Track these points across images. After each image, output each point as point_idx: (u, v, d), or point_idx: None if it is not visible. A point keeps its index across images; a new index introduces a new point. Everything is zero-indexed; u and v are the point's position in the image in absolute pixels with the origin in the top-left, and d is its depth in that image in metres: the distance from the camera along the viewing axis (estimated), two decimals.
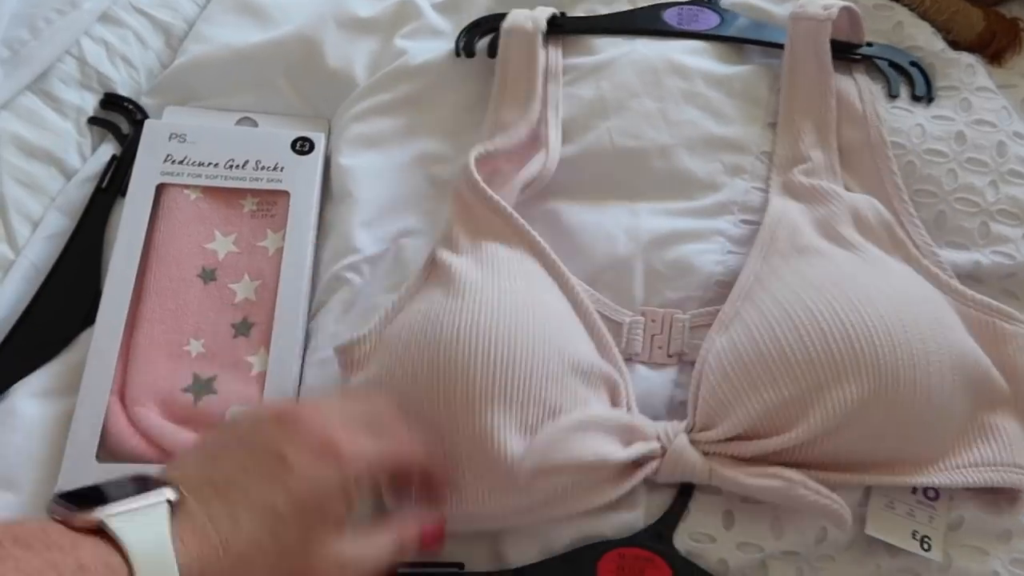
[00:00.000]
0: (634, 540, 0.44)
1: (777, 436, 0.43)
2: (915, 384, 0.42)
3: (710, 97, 0.57)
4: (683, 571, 0.43)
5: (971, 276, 0.51)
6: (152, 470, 0.35)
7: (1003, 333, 0.47)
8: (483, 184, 0.49)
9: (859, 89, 0.56)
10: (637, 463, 0.44)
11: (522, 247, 0.48)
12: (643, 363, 0.49)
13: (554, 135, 0.55)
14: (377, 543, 0.38)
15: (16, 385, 0.49)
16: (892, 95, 0.56)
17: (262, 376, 0.50)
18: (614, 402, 0.46)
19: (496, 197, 0.49)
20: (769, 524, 0.45)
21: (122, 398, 0.48)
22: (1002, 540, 0.45)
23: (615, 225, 0.53)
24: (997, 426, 0.45)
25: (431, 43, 0.61)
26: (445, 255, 0.48)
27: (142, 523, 0.31)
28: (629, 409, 0.46)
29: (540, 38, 0.57)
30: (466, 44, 0.59)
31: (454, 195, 0.51)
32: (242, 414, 0.40)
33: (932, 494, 0.46)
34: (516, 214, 0.49)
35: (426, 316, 0.44)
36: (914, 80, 0.57)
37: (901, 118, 0.55)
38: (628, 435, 0.43)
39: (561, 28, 0.59)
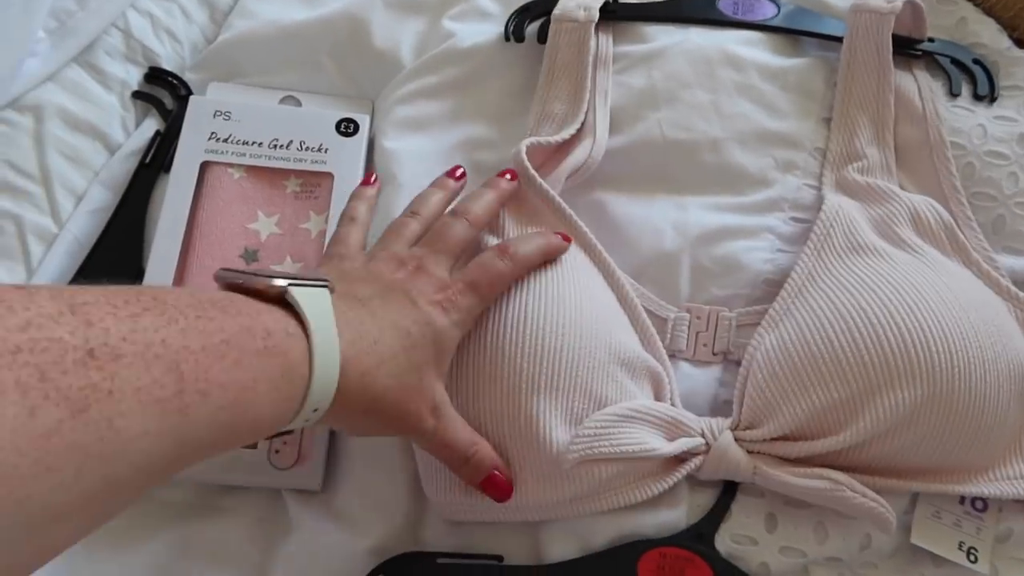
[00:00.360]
0: (675, 540, 0.44)
1: (824, 439, 0.42)
2: (970, 392, 0.41)
3: (764, 90, 0.56)
4: (724, 573, 0.43)
5: None
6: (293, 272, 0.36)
7: None
8: (534, 172, 0.48)
9: (919, 86, 0.55)
10: (680, 458, 0.43)
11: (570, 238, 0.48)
12: (687, 360, 0.49)
13: (601, 124, 0.53)
14: (459, 433, 0.40)
15: None
16: (953, 93, 0.55)
17: None
18: (658, 396, 0.45)
19: (547, 187, 0.48)
20: (812, 529, 0.45)
21: None
22: None
23: (662, 219, 0.52)
24: None
25: (479, 26, 0.59)
26: (491, 241, 0.47)
27: (313, 299, 0.32)
28: (673, 404, 0.46)
29: (592, 28, 0.55)
30: (515, 28, 0.57)
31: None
32: (358, 256, 0.42)
33: (980, 505, 0.46)
34: (565, 205, 0.48)
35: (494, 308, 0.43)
36: (976, 78, 0.55)
37: (962, 118, 0.54)
38: (673, 430, 0.43)
39: (613, 15, 0.58)
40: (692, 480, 0.46)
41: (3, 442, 0.21)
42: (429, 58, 0.58)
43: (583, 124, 0.53)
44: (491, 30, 0.59)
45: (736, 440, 0.43)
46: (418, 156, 0.55)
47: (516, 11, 0.59)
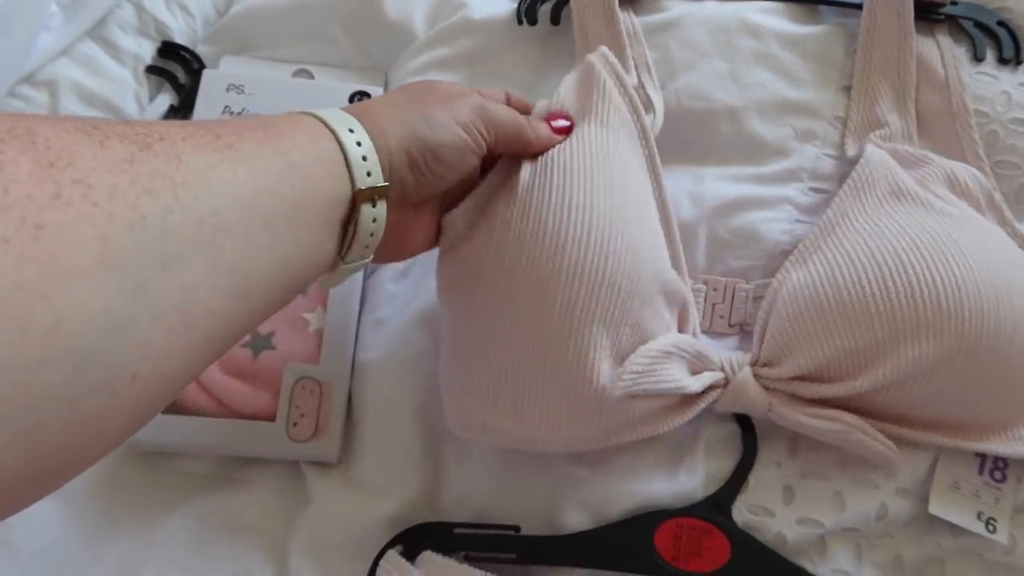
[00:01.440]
0: (692, 510, 0.44)
1: (842, 382, 0.42)
2: (995, 351, 0.40)
3: (783, 58, 0.55)
4: (740, 543, 0.43)
5: None
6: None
7: None
8: (619, 66, 0.48)
9: (941, 52, 0.53)
10: (700, 392, 0.43)
11: (635, 137, 0.47)
12: (704, 332, 0.48)
13: (656, 96, 0.52)
14: (505, 116, 0.41)
15: None
16: (977, 58, 0.53)
17: (319, 334, 0.50)
18: (682, 323, 0.45)
19: (628, 80, 0.48)
20: (830, 499, 0.45)
21: None
22: None
23: (679, 189, 0.51)
24: None
25: None
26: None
27: (337, 118, 0.34)
28: (694, 332, 0.46)
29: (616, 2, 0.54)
30: (528, 10, 0.56)
31: (577, 79, 0.47)
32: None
33: (999, 476, 0.45)
34: (639, 100, 0.47)
35: (531, 208, 0.40)
36: (1001, 41, 0.54)
37: (985, 84, 0.53)
38: (697, 363, 0.43)
39: None
40: (708, 449, 0.46)
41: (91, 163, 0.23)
42: (442, 29, 0.57)
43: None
44: (504, 2, 0.58)
45: (755, 376, 0.43)
46: None
47: None
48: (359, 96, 0.56)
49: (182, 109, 0.56)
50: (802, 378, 0.43)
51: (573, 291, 0.38)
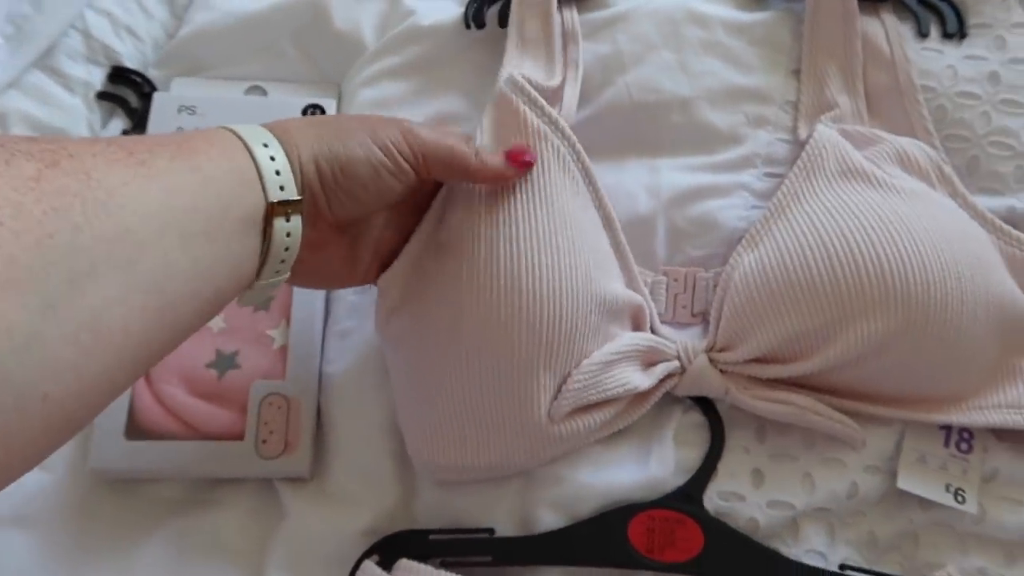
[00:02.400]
0: (663, 502, 0.44)
1: (797, 363, 0.43)
2: (945, 324, 0.41)
3: (731, 46, 0.55)
4: (713, 531, 0.43)
5: (1006, 222, 0.49)
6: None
7: None
8: (532, 89, 0.46)
9: (886, 30, 0.54)
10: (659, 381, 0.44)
11: (566, 157, 0.46)
12: (667, 323, 0.49)
13: (570, 93, 0.52)
14: (438, 137, 0.40)
15: None
16: (922, 34, 0.54)
17: (284, 350, 0.50)
18: (637, 326, 0.46)
19: (545, 104, 0.46)
20: (799, 481, 0.45)
21: (147, 376, 0.49)
22: None
23: (635, 183, 0.52)
24: None
25: (441, 2, 0.59)
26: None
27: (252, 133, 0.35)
28: (652, 328, 0.46)
29: (555, 1, 0.54)
30: (475, 14, 0.56)
31: (493, 109, 0.47)
32: None
33: (964, 447, 0.46)
34: (566, 124, 0.46)
35: (464, 267, 0.41)
36: (944, 16, 0.54)
37: (931, 59, 0.53)
38: (651, 355, 0.44)
39: None
40: (678, 440, 0.46)
41: None
42: (391, 38, 0.57)
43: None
44: (452, 7, 0.58)
45: (711, 361, 0.44)
46: None
47: None
48: (312, 109, 0.56)
49: (134, 133, 0.56)
50: (757, 360, 0.44)
51: (514, 338, 0.40)
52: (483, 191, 0.42)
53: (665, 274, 0.49)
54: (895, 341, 0.41)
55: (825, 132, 0.49)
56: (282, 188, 0.34)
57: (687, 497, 0.44)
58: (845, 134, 0.49)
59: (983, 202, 0.49)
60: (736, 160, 0.52)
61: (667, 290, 0.49)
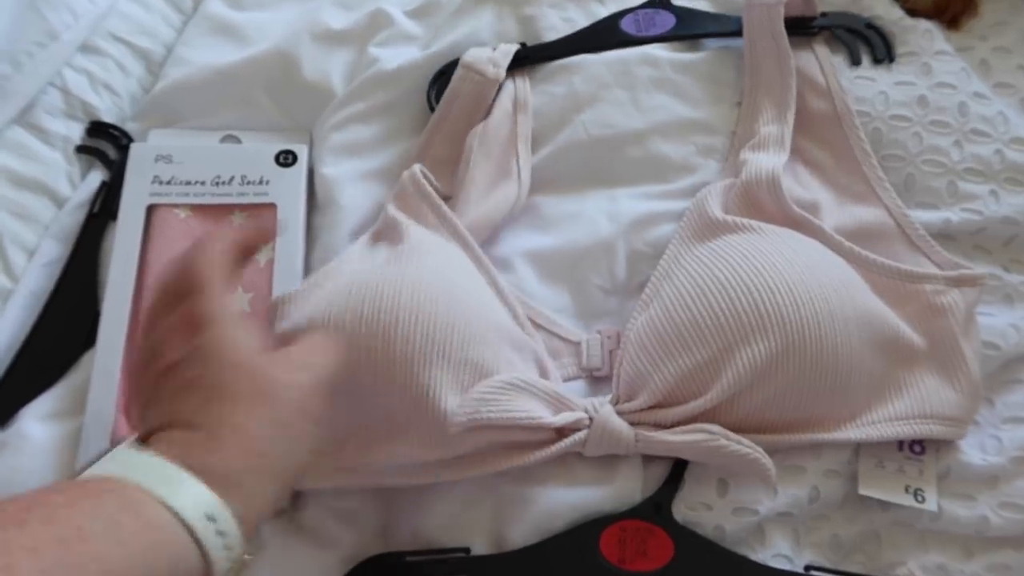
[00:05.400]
0: (633, 513, 0.46)
1: (695, 400, 0.44)
2: (821, 340, 0.44)
3: (679, 82, 0.59)
4: (683, 540, 0.45)
5: (942, 234, 0.53)
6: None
7: (906, 293, 0.49)
8: (428, 186, 0.52)
9: (820, 62, 0.58)
10: (562, 432, 0.45)
11: (455, 241, 0.51)
12: (607, 376, 0.50)
13: (525, 168, 0.56)
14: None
15: (23, 410, 0.50)
16: (854, 62, 0.58)
17: None
18: (544, 375, 0.48)
19: (437, 198, 0.52)
20: (763, 488, 0.46)
21: (128, 414, 0.50)
22: (989, 485, 0.47)
23: (596, 210, 0.55)
24: (912, 381, 0.47)
25: (404, 48, 0.62)
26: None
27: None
28: (555, 382, 0.48)
29: (496, 88, 0.58)
30: (437, 94, 0.59)
31: (396, 196, 0.53)
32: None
33: (918, 448, 0.48)
34: (451, 212, 0.52)
35: (370, 273, 0.46)
36: (873, 44, 0.58)
37: (864, 87, 0.57)
38: (558, 405, 0.45)
39: (526, 60, 0.60)
40: (647, 457, 0.47)
41: None
42: (357, 85, 0.60)
43: (508, 172, 0.56)
44: (415, 52, 0.61)
45: (617, 413, 0.45)
46: (356, 179, 0.57)
47: (434, 77, 0.60)
48: (285, 154, 0.58)
49: (113, 184, 0.58)
50: (659, 405, 0.45)
51: (411, 337, 0.43)
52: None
53: (598, 332, 0.51)
54: (778, 363, 0.43)
55: (700, 194, 0.52)
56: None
57: (656, 507, 0.46)
58: (722, 187, 0.53)
59: (920, 216, 0.53)
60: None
61: (602, 347, 0.50)
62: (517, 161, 0.56)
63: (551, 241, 0.54)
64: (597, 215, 0.54)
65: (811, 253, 0.48)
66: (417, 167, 0.53)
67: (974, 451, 0.48)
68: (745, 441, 0.43)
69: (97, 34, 0.62)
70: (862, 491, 0.46)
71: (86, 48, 0.62)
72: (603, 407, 0.46)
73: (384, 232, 0.51)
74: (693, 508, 0.46)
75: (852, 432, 0.46)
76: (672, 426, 0.45)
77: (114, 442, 0.49)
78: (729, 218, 0.49)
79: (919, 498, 0.46)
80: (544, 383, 0.45)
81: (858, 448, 0.47)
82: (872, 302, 0.47)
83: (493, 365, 0.44)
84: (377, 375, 0.43)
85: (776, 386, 0.44)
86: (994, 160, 0.54)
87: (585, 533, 0.45)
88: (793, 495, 0.46)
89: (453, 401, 0.43)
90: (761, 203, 0.51)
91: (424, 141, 0.58)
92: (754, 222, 0.49)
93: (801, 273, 0.45)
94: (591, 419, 0.45)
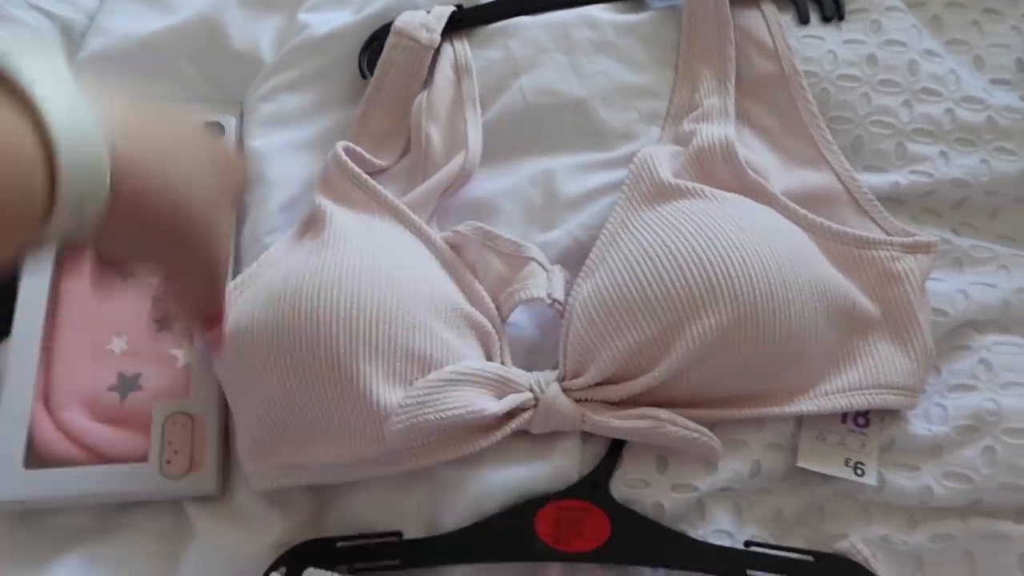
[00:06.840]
0: (570, 492, 0.44)
1: (643, 376, 0.43)
2: (775, 313, 0.42)
3: (621, 45, 0.56)
4: (619, 517, 0.44)
5: (891, 197, 0.51)
6: None
7: (860, 260, 0.47)
8: (353, 165, 0.50)
9: (767, 22, 0.55)
10: (511, 414, 0.44)
11: (388, 216, 0.49)
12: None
13: (473, 134, 0.53)
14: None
15: None
16: (802, 21, 0.56)
17: (189, 368, 0.49)
18: (488, 353, 0.46)
19: (364, 176, 0.50)
20: (702, 463, 0.45)
21: (47, 404, 0.48)
22: (933, 455, 0.46)
23: (530, 183, 0.53)
24: (866, 350, 0.46)
25: (335, 13, 0.59)
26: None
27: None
28: (503, 361, 0.46)
29: (431, 54, 0.55)
30: (369, 63, 0.56)
31: (321, 180, 0.51)
32: None
33: (862, 421, 0.47)
34: (380, 187, 0.49)
35: (291, 269, 0.44)
36: (822, 2, 0.56)
37: (812, 46, 0.55)
38: (501, 387, 0.44)
39: (462, 23, 0.57)
40: (585, 434, 0.46)
41: None
42: (287, 52, 0.57)
43: (456, 137, 0.53)
44: (345, 16, 0.58)
45: (564, 391, 0.44)
46: (286, 150, 0.55)
47: (365, 43, 0.57)
48: (210, 127, 0.56)
49: None
50: (607, 382, 0.44)
51: (333, 330, 0.41)
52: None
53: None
54: (730, 336, 0.42)
55: (641, 155, 0.50)
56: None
57: (593, 486, 0.45)
58: (685, 136, 0.51)
59: (868, 180, 0.51)
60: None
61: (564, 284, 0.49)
62: (465, 127, 0.54)
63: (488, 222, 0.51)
64: (531, 188, 0.52)
65: (765, 221, 0.46)
66: (340, 145, 0.51)
67: (919, 420, 0.47)
68: (692, 424, 0.42)
69: (11, 2, 0.59)
70: (800, 464, 0.45)
71: (0, 17, 0.59)
72: (550, 386, 0.44)
73: (310, 222, 0.49)
74: (631, 485, 0.45)
75: (804, 404, 0.45)
76: (620, 402, 0.44)
77: (32, 435, 0.47)
78: (680, 182, 0.47)
79: (858, 471, 0.46)
80: (486, 366, 0.44)
81: (801, 421, 0.46)
82: (826, 271, 0.46)
83: (428, 351, 0.42)
84: (307, 374, 0.41)
85: (728, 360, 0.42)
86: (944, 120, 0.53)
87: (519, 514, 0.44)
88: (734, 469, 0.45)
89: (390, 393, 0.41)
90: (714, 170, 0.49)
91: (361, 115, 0.55)
92: (706, 188, 0.47)
93: (754, 242, 0.43)
94: (537, 400, 0.44)
